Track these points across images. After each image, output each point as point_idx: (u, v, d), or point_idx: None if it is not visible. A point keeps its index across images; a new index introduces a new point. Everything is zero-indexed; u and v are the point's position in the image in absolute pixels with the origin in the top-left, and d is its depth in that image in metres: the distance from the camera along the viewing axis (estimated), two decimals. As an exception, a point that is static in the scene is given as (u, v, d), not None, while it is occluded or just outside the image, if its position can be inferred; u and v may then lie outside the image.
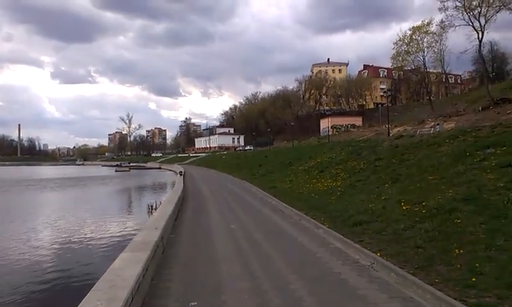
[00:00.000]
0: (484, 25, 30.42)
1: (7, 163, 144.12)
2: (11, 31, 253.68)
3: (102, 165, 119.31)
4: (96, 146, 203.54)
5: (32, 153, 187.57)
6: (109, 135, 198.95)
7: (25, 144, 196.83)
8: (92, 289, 4.85)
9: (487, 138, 14.79)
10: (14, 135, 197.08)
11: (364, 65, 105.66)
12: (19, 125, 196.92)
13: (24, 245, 15.14)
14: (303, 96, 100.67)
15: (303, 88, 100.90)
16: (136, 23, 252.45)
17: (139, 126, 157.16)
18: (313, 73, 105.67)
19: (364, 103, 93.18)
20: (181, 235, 10.87)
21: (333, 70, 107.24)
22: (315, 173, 23.44)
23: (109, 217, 21.82)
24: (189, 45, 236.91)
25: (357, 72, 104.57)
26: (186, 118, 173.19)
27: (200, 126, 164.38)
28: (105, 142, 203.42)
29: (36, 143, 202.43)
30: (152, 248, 7.12)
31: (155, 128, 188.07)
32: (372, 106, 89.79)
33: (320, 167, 24.70)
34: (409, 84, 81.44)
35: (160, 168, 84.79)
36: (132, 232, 16.15)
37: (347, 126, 65.27)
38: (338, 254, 8.26)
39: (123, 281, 5.19)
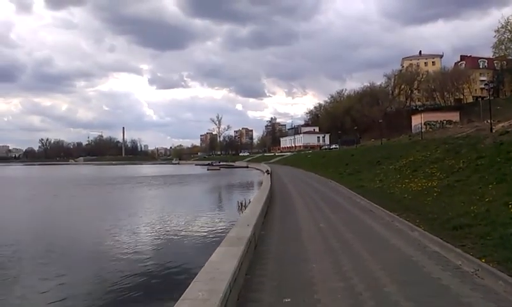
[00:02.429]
0: None
1: (113, 162, 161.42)
2: (114, 42, 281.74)
3: (195, 164, 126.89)
4: (189, 146, 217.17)
5: (134, 153, 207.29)
6: (200, 135, 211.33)
7: (129, 145, 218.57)
8: (194, 280, 5.15)
9: None
10: (119, 137, 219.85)
11: (461, 56, 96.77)
12: (123, 127, 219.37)
13: (138, 237, 17.19)
14: (392, 92, 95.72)
15: (392, 83, 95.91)
16: (223, 28, 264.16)
17: (228, 127, 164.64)
18: (403, 67, 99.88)
19: (461, 97, 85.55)
20: (271, 232, 11.16)
21: (425, 63, 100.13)
22: (407, 173, 22.28)
23: (205, 213, 23.67)
24: (273, 45, 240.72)
25: (453, 64, 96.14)
26: (271, 118, 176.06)
27: (285, 125, 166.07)
28: (197, 142, 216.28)
29: (138, 144, 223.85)
30: (245, 243, 7.43)
31: (243, 128, 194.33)
32: (470, 100, 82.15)
33: (413, 166, 23.39)
34: (514, 74, 72.83)
35: (247, 167, 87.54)
36: (224, 228, 17.16)
37: (443, 123, 60.62)
38: (436, 258, 7.79)
39: (221, 273, 5.45)
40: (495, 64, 79.51)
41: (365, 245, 9.24)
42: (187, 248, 15.14)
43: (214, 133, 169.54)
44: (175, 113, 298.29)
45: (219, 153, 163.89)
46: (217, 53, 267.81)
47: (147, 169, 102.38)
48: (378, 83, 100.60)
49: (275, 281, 6.75)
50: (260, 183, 33.80)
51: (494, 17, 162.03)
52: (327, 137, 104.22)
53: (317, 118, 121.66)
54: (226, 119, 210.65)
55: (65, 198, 34.18)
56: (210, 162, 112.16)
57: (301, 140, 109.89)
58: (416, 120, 63.87)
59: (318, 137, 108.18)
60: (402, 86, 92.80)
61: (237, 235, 8.24)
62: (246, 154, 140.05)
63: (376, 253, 8.48)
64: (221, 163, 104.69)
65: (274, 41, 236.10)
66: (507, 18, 39.50)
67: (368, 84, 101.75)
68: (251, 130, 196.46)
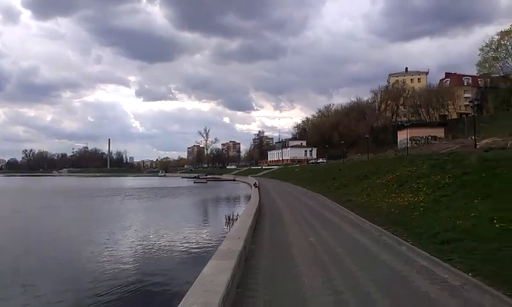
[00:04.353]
0: None
1: (97, 174, 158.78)
2: (100, 53, 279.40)
3: (182, 177, 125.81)
4: (176, 158, 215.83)
5: (119, 165, 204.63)
6: (187, 148, 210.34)
7: (114, 157, 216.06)
8: (187, 293, 5.14)
9: None
10: (104, 148, 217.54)
11: (446, 73, 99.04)
12: (109, 139, 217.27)
13: (130, 250, 16.87)
14: (379, 108, 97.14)
15: (379, 99, 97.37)
16: (212, 41, 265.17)
17: (216, 139, 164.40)
18: (389, 83, 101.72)
19: (446, 113, 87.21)
20: (261, 246, 11.16)
21: (411, 79, 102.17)
22: (394, 187, 22.55)
23: (192, 227, 23.34)
24: (261, 59, 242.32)
25: (438, 81, 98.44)
26: (259, 131, 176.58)
27: (272, 139, 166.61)
28: (184, 155, 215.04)
29: (124, 156, 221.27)
30: (237, 257, 7.45)
31: (230, 141, 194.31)
32: (455, 116, 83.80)
33: (399, 181, 23.68)
34: (497, 92, 74.58)
35: (234, 180, 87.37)
36: (213, 241, 17.10)
37: (428, 138, 61.67)
38: (425, 273, 7.91)
39: (215, 286, 5.47)
40: (479, 82, 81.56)
41: (354, 260, 9.32)
42: (176, 262, 14.98)
43: (201, 146, 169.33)
44: (162, 125, 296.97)
45: (206, 165, 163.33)
46: (205, 66, 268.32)
47: (132, 182, 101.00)
48: (365, 98, 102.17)
49: (267, 295, 6.77)
50: (248, 197, 33.79)
51: (477, 35, 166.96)
52: (314, 151, 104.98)
53: (305, 132, 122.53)
54: (214, 132, 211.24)
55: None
56: (196, 174, 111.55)
57: (288, 154, 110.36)
58: (402, 135, 64.82)
59: (305, 151, 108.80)
60: (389, 102, 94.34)
61: (229, 248, 8.24)
62: (233, 167, 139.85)
63: (366, 268, 8.56)
64: (207, 176, 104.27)
65: (263, 56, 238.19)
66: (492, 37, 40.65)
67: (355, 100, 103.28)
68: (239, 143, 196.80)
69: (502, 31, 40.64)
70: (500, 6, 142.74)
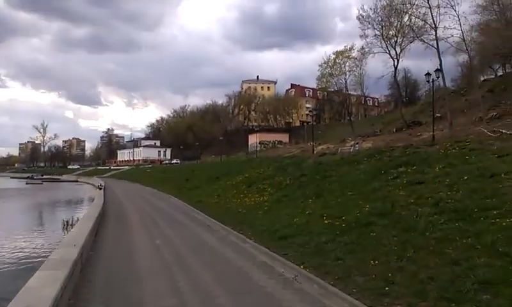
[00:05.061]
0: (399, 53, 33.60)
1: None
2: None
3: (11, 177, 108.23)
4: (5, 155, 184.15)
5: None
6: (20, 144, 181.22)
7: None
8: None
9: (399, 158, 16.18)
10: None
11: (291, 84, 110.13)
12: None
13: None
14: (232, 112, 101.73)
15: (233, 103, 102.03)
16: (54, 25, 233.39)
17: (55, 136, 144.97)
18: (242, 89, 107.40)
19: (291, 120, 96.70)
20: (101, 252, 10.27)
21: (262, 87, 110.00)
22: (243, 188, 23.69)
23: (23, 233, 19.84)
24: (113, 51, 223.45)
25: (285, 90, 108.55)
26: (108, 129, 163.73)
27: (123, 137, 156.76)
28: (15, 152, 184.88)
29: None
30: (70, 266, 6.67)
31: (73, 138, 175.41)
32: (298, 124, 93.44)
33: (248, 182, 25.03)
34: (332, 104, 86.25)
35: (77, 181, 79.07)
36: (45, 250, 14.94)
37: (275, 143, 67.03)
38: (264, 267, 8.40)
39: (40, 300, 4.85)
40: (318, 94, 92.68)
41: (200, 260, 9.35)
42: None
43: (37, 142, 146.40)
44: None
45: (42, 165, 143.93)
46: (45, 52, 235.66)
47: None
48: (220, 102, 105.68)
49: (101, 305, 6.18)
50: (92, 199, 30.99)
51: (319, 52, 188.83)
52: (168, 151, 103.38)
53: (159, 132, 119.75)
54: (54, 127, 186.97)
55: None
56: (30, 174, 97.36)
57: (140, 154, 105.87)
58: (253, 139, 69.18)
59: (159, 151, 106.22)
60: (241, 107, 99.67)
61: (61, 257, 7.36)
62: (76, 167, 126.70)
63: (210, 266, 8.66)
64: (44, 176, 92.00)
65: (114, 48, 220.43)
66: (329, 56, 46.62)
67: (211, 102, 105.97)
68: (84, 141, 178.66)
69: (337, 51, 46.91)
70: (336, 30, 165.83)
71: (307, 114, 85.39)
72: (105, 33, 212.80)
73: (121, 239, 12.50)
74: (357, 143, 26.55)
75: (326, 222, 11.30)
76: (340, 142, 31.98)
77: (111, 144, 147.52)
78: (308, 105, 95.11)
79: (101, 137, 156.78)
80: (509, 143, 12.95)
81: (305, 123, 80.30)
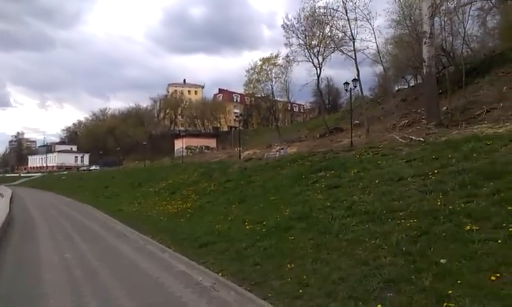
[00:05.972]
0: (322, 62, 34.96)
1: None
2: None
3: None
4: None
5: None
6: None
7: None
8: None
9: (320, 162, 16.76)
10: None
11: (219, 89, 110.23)
12: None
13: None
14: (158, 115, 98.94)
15: (158, 107, 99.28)
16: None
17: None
18: (168, 92, 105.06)
19: (219, 125, 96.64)
20: (1, 271, 9.19)
21: (189, 91, 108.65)
22: (165, 195, 22.98)
23: None
24: (23, 49, 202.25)
25: (213, 95, 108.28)
26: (18, 132, 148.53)
27: (35, 142, 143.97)
28: None
29: None
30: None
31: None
32: (226, 129, 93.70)
33: (171, 188, 24.35)
34: (259, 110, 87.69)
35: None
36: None
37: (202, 148, 66.27)
38: (181, 277, 8.11)
39: None
40: (246, 100, 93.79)
41: (113, 273, 8.78)
42: None
43: None
44: None
45: None
46: None
47: None
48: (144, 105, 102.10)
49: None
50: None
51: (246, 58, 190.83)
52: (86, 157, 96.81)
53: (76, 136, 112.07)
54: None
55: None
56: None
57: (54, 159, 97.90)
58: (179, 144, 67.69)
59: (76, 157, 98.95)
60: (167, 111, 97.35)
61: None
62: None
63: (124, 279, 8.18)
64: None
65: (25, 45, 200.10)
66: (256, 62, 47.13)
67: (134, 105, 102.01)
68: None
69: (263, 58, 47.63)
70: (263, 36, 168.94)
71: (235, 119, 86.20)
72: (15, 29, 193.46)
73: (26, 253, 11.32)
74: (282, 149, 27.13)
75: (247, 227, 11.29)
76: (267, 148, 32.48)
77: (21, 149, 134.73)
78: (236, 110, 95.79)
79: (10, 141, 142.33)
80: (416, 149, 14.00)
81: (233, 128, 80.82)
